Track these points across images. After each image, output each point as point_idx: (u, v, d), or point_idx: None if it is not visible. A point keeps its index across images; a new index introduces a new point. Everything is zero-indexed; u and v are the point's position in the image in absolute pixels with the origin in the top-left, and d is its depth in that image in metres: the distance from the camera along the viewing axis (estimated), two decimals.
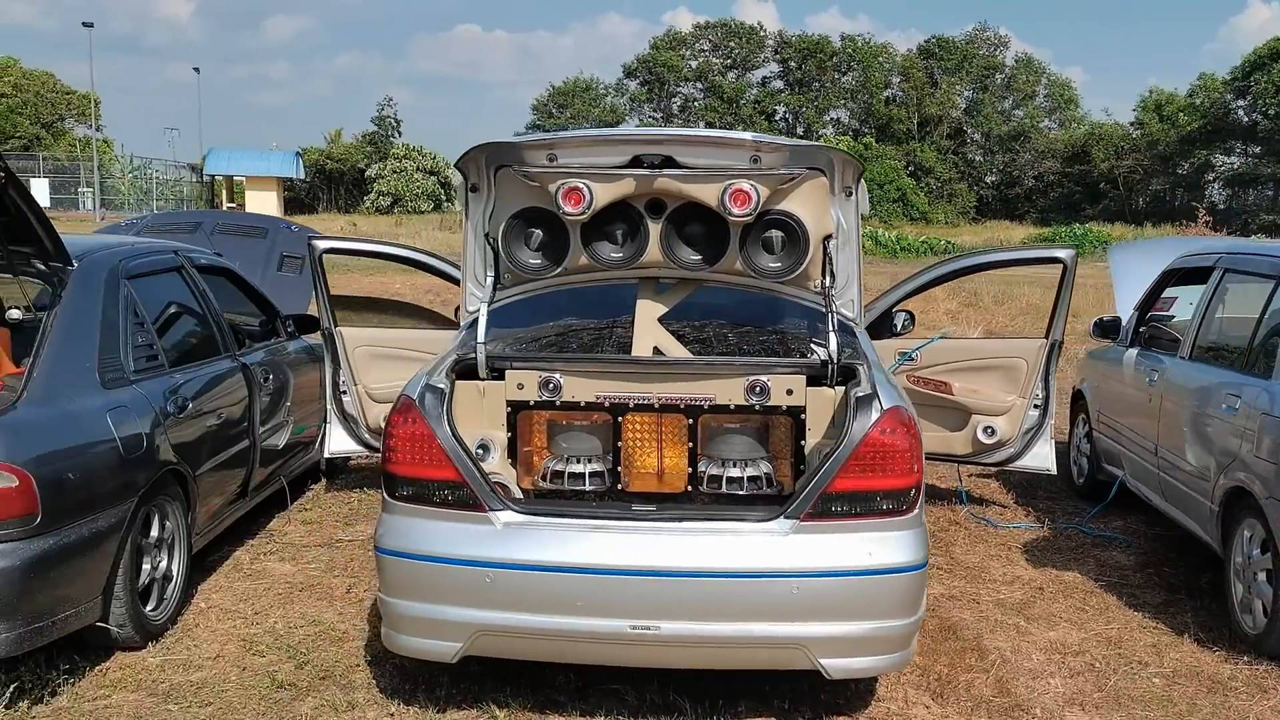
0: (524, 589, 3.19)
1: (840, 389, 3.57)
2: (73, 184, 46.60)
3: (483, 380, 3.73)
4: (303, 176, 53.16)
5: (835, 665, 3.17)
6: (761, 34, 59.40)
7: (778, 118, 59.01)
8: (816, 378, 3.60)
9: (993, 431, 5.58)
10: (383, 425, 5.72)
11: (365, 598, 4.49)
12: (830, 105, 58.99)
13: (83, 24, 50.36)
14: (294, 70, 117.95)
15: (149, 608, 3.94)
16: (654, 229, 3.64)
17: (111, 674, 3.73)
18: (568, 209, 3.46)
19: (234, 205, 52.04)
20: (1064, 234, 34.29)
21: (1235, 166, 52.89)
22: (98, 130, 54.66)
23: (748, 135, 3.51)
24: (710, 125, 57.56)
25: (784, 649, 3.16)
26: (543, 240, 3.72)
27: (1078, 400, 6.43)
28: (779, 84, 60.05)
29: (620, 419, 3.68)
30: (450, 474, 3.26)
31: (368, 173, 53.03)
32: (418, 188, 51.01)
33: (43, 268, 3.92)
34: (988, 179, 58.38)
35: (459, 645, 3.25)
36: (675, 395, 3.62)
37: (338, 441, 5.82)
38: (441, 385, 3.40)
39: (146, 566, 3.93)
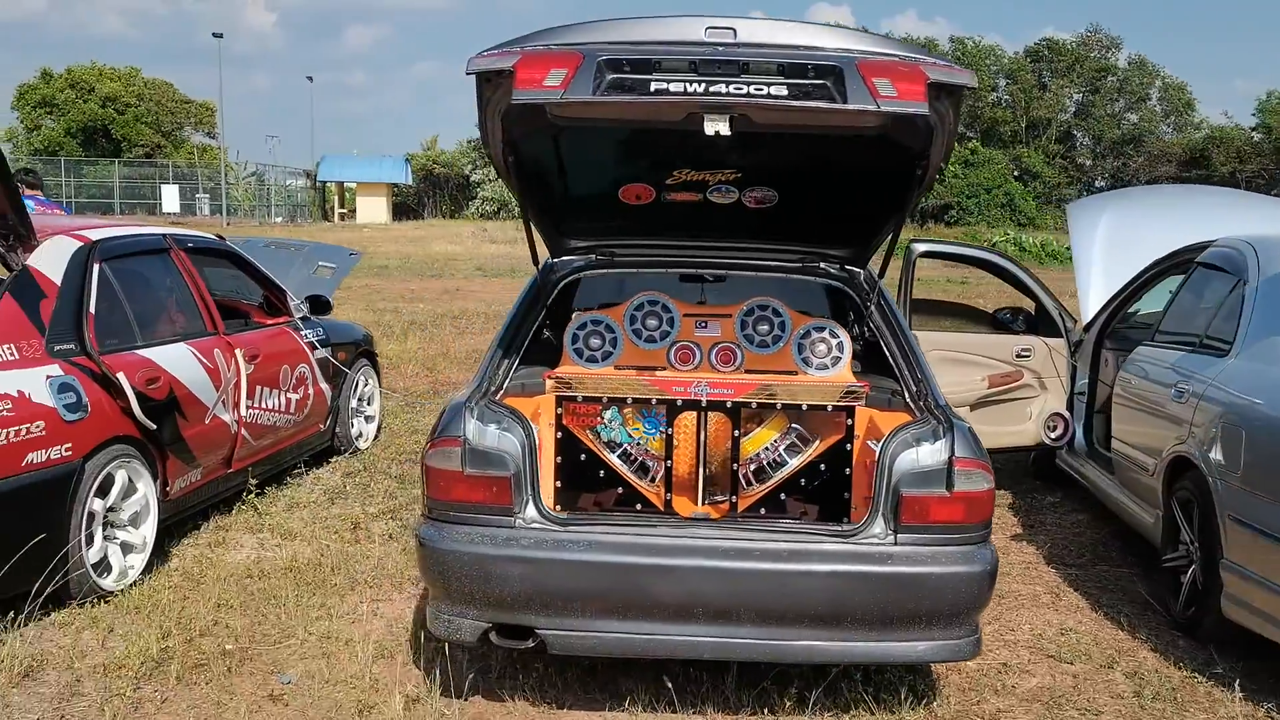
0: None
1: None
2: (192, 190, 47.85)
3: None
4: (410, 182, 54.09)
5: None
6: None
7: None
8: None
9: None
10: None
11: (1078, 605, 4.44)
12: None
13: (213, 34, 51.65)
14: (372, 79, 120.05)
15: None
16: None
17: (938, 670, 3.71)
18: None
19: (344, 211, 53.21)
20: None
21: None
22: (216, 138, 56.17)
23: None
24: None
25: None
26: None
27: None
28: None
29: None
30: None
31: (473, 178, 53.64)
32: None
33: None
34: (1098, 183, 57.10)
35: None
36: None
37: None
38: None
39: None
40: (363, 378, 6.70)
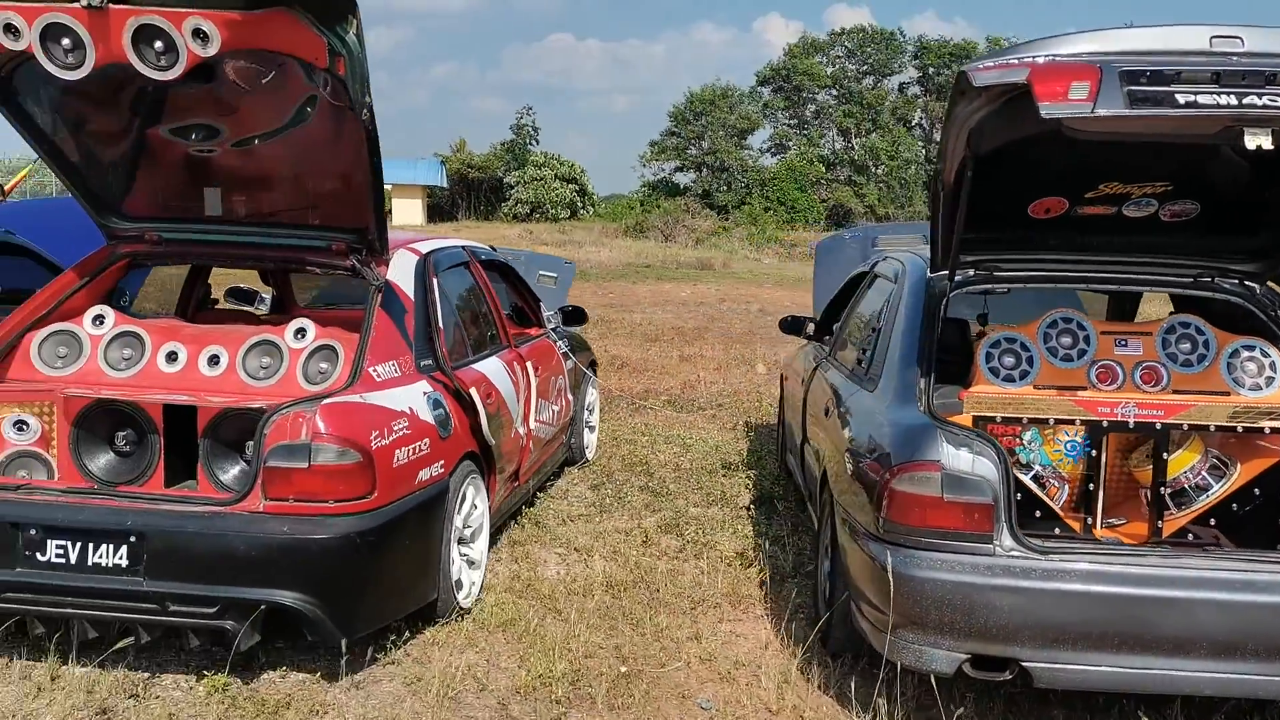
0: None
1: None
2: None
3: None
4: (445, 185, 54.01)
5: None
6: (900, 40, 58.78)
7: (912, 124, 58.31)
8: None
9: None
10: None
11: None
12: None
13: None
14: (392, 80, 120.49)
15: None
16: None
17: None
18: None
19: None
20: None
21: None
22: None
23: None
24: (846, 134, 57.15)
25: None
26: None
27: None
28: (916, 89, 59.30)
29: None
30: None
31: (506, 180, 53.58)
32: (555, 195, 51.41)
33: None
34: None
35: None
36: None
37: None
38: None
39: None
40: (590, 388, 6.60)
